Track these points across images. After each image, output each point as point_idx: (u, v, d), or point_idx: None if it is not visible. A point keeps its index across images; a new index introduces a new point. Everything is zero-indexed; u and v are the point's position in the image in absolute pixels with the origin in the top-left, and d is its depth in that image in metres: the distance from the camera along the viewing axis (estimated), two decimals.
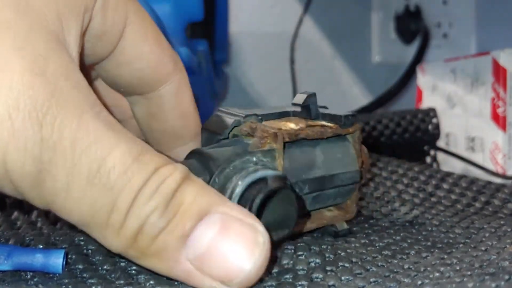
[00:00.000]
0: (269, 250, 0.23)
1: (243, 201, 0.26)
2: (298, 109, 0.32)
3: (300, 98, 0.32)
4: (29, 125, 0.21)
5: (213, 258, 0.22)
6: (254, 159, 0.27)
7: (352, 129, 0.31)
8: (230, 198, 0.26)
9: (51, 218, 0.33)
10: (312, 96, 0.32)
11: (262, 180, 0.26)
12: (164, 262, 0.23)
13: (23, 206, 0.34)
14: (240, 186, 0.26)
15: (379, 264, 0.28)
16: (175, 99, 0.31)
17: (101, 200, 0.22)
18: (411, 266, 0.27)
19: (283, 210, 0.27)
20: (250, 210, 0.25)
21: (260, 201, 0.25)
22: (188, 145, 0.32)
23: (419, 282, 0.25)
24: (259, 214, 0.25)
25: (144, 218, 0.22)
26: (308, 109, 0.31)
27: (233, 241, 0.23)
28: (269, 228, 0.24)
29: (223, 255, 0.22)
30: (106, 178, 0.22)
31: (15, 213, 0.34)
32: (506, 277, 0.24)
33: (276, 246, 0.29)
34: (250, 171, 0.26)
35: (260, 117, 0.30)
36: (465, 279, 0.25)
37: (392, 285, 0.25)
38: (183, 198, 0.23)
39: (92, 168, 0.22)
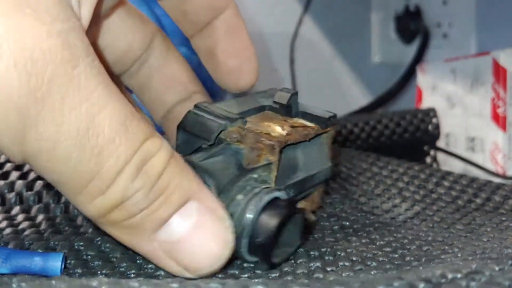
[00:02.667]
0: (233, 246, 0.24)
1: (258, 225, 0.26)
2: (276, 105, 0.31)
3: (283, 97, 0.31)
4: (15, 74, 0.19)
5: (184, 248, 0.23)
6: (255, 176, 0.27)
7: (330, 128, 0.31)
8: (238, 219, 0.26)
9: (50, 213, 0.33)
10: (295, 95, 0.31)
11: (273, 202, 0.26)
12: (133, 238, 0.23)
13: (23, 201, 0.34)
14: (253, 210, 0.26)
15: (380, 259, 0.28)
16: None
17: (86, 165, 0.21)
18: (412, 258, 0.28)
19: (289, 231, 0.27)
20: (267, 235, 0.26)
21: (277, 226, 0.26)
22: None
23: (421, 268, 0.25)
24: (275, 238, 0.26)
25: (128, 195, 0.22)
26: (289, 108, 0.31)
27: (207, 238, 0.23)
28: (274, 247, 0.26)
29: (195, 248, 0.23)
30: (95, 141, 0.21)
31: (17, 216, 0.34)
32: (510, 262, 0.24)
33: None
34: (258, 193, 0.26)
35: (245, 120, 0.29)
36: (467, 262, 0.25)
37: (393, 273, 0.25)
38: (168, 181, 0.23)
39: (81, 129, 0.20)
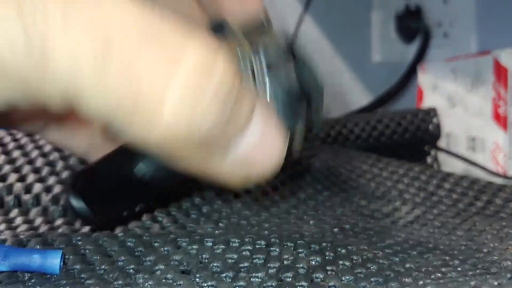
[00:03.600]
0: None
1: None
2: None
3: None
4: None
5: (256, 156, 0.22)
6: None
7: None
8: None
9: (48, 216, 0.33)
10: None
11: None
12: (206, 160, 0.21)
13: (21, 204, 0.34)
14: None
15: (380, 261, 0.28)
16: None
17: (119, 78, 0.18)
18: (412, 266, 0.27)
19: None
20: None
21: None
22: None
23: (421, 282, 0.25)
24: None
25: (198, 108, 0.19)
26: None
27: (272, 142, 0.22)
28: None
29: (265, 154, 0.22)
30: (119, 49, 0.18)
31: (13, 213, 0.34)
32: (509, 275, 0.24)
33: (276, 242, 0.29)
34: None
35: None
36: (467, 278, 0.25)
37: (393, 285, 0.25)
38: (237, 89, 0.20)
39: (95, 38, 0.18)
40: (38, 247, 0.28)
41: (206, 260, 0.27)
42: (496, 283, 0.23)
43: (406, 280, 0.25)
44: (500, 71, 0.52)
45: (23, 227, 0.32)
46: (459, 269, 0.27)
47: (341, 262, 0.27)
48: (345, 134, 0.56)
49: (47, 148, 0.39)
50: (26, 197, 0.34)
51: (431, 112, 0.60)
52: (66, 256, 0.27)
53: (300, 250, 0.28)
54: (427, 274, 0.26)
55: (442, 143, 0.60)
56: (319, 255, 0.28)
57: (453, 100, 0.59)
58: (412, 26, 0.81)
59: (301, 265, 0.27)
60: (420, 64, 0.65)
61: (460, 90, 0.58)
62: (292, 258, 0.27)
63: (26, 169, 0.37)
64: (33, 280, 0.25)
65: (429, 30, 0.79)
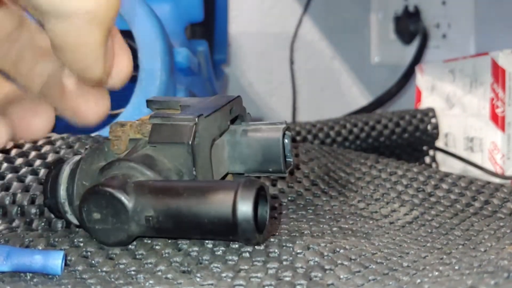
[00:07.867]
0: None
1: None
2: None
3: None
4: None
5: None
6: None
7: None
8: None
9: (52, 230, 0.33)
10: None
11: None
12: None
13: (24, 211, 0.34)
14: None
15: (378, 261, 0.28)
16: None
17: None
18: (410, 265, 0.28)
19: None
20: None
21: None
22: None
23: (418, 281, 0.25)
24: None
25: None
26: None
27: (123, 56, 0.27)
28: None
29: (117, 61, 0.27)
30: None
31: (19, 228, 0.34)
32: (505, 275, 0.24)
33: (276, 243, 0.29)
34: None
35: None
36: (464, 277, 0.25)
37: (391, 283, 0.25)
38: None
39: None
40: (40, 248, 0.28)
41: (207, 262, 0.27)
42: (492, 282, 0.23)
43: (404, 278, 0.26)
44: (498, 72, 0.53)
45: (25, 229, 0.32)
46: (456, 267, 0.27)
47: (339, 261, 0.27)
48: (344, 135, 0.56)
49: (50, 157, 0.39)
50: (29, 208, 0.34)
51: (430, 113, 0.60)
52: (68, 258, 0.27)
53: (298, 251, 0.28)
54: (424, 272, 0.26)
55: (440, 143, 0.60)
56: (317, 255, 0.28)
57: (451, 100, 0.59)
58: (410, 27, 0.82)
59: (299, 265, 0.27)
60: (419, 65, 0.65)
61: (458, 91, 0.58)
62: (291, 258, 0.27)
63: (30, 178, 0.36)
64: (35, 280, 0.25)
65: (428, 31, 0.79)
